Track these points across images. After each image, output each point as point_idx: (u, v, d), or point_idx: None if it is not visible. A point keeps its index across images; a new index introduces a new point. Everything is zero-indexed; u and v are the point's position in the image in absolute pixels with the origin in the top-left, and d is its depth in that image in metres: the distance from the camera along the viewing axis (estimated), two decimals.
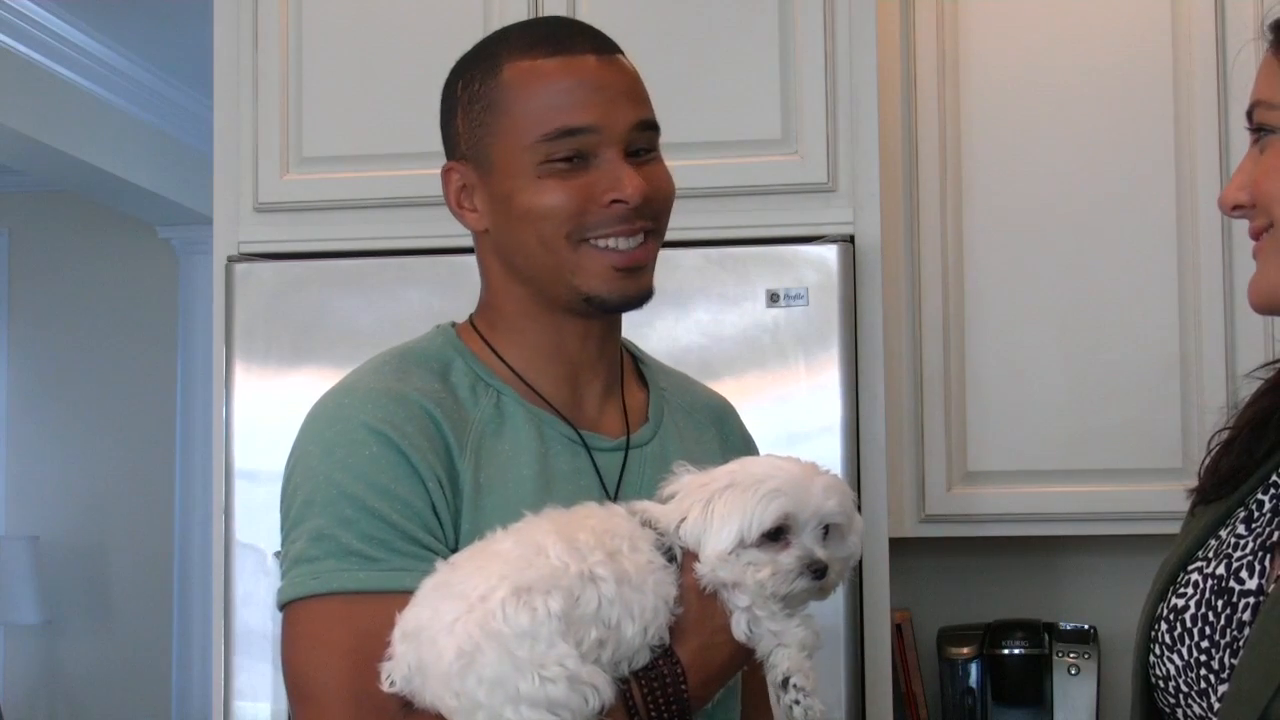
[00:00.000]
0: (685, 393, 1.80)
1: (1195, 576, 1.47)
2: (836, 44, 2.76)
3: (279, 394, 2.71)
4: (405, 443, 1.53)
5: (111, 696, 6.94)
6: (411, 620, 1.40)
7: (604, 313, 1.64)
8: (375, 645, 1.42)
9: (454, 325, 1.70)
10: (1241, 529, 1.47)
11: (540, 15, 2.74)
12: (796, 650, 1.45)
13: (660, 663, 1.44)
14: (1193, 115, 2.96)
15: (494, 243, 1.65)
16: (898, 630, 3.02)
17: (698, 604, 1.45)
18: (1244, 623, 1.40)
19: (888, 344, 2.81)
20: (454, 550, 1.51)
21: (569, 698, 1.34)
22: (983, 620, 3.14)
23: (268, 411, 2.71)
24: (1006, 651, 3.06)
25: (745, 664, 1.50)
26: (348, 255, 2.81)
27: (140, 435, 6.98)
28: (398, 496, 1.51)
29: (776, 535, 1.45)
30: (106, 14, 5.41)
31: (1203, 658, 1.42)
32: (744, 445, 1.80)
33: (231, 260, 2.81)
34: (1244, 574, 1.43)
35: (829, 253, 2.65)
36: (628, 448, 1.66)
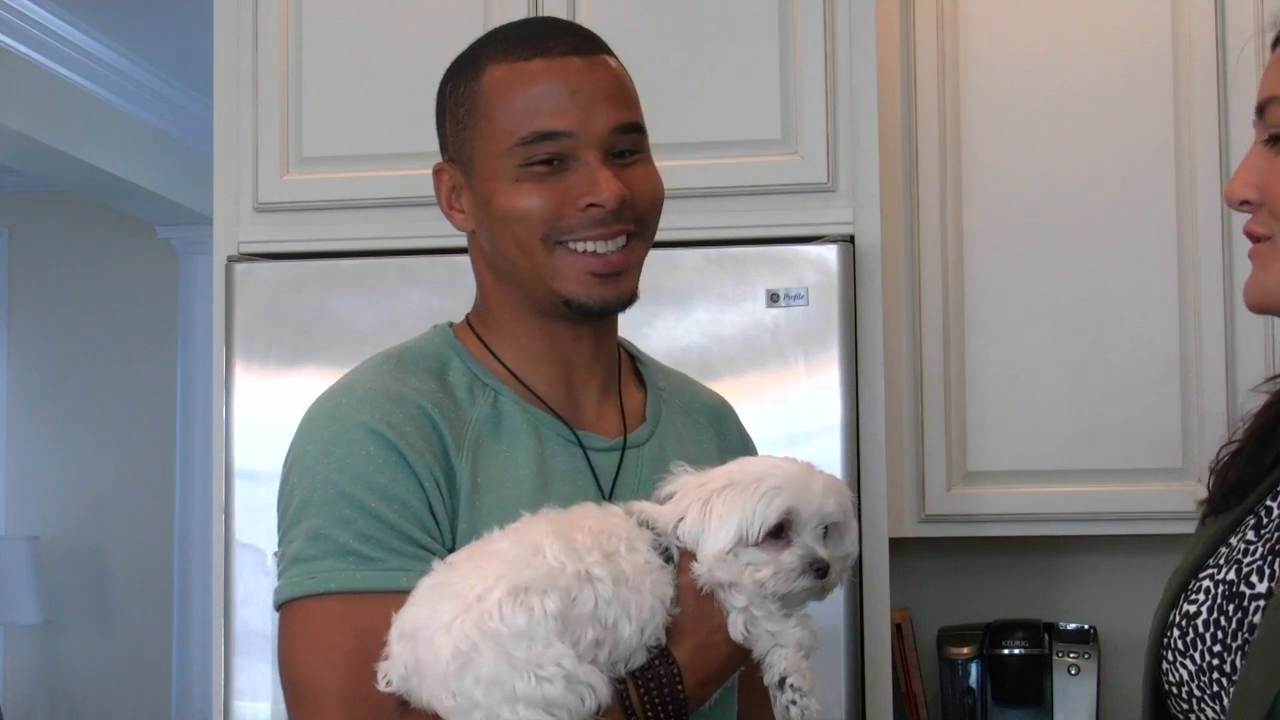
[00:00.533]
0: (683, 393, 1.79)
1: (1206, 583, 1.48)
2: (836, 44, 2.76)
3: (279, 394, 2.71)
4: (403, 443, 1.53)
5: (111, 696, 6.94)
6: (408, 620, 1.40)
7: (584, 316, 1.63)
8: (372, 645, 1.42)
9: (451, 325, 1.70)
10: (1251, 535, 1.48)
11: (539, 15, 2.74)
12: (794, 650, 1.45)
13: (657, 663, 1.44)
14: (1193, 115, 2.96)
15: (481, 244, 1.65)
16: (898, 630, 3.01)
17: (695, 604, 1.45)
18: (1255, 626, 1.40)
19: (888, 344, 2.80)
20: (451, 550, 1.51)
21: (566, 697, 1.34)
22: (983, 620, 3.14)
23: (268, 411, 2.71)
24: (1006, 651, 3.06)
25: (742, 664, 1.50)
26: (348, 255, 2.81)
27: (140, 435, 6.98)
28: (395, 496, 1.51)
29: (777, 534, 1.45)
30: (106, 14, 5.40)
31: (1215, 661, 1.43)
32: (742, 445, 1.80)
33: (231, 260, 2.81)
34: (1254, 578, 1.43)
35: (829, 253, 2.65)
36: (624, 448, 1.66)
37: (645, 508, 1.49)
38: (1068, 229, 3.00)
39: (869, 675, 2.68)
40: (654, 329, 2.59)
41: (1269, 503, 1.50)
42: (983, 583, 3.26)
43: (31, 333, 7.14)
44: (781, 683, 1.44)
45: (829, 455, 2.58)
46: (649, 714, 1.43)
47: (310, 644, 1.50)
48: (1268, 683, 1.34)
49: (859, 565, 2.68)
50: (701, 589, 1.45)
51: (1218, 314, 2.92)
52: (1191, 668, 1.45)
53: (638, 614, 1.41)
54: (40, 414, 7.11)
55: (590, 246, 1.59)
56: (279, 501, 1.57)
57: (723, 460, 1.54)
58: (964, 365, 3.01)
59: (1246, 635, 1.41)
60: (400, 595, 1.44)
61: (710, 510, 1.45)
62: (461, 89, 1.64)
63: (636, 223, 1.62)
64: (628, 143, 1.62)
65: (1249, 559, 1.45)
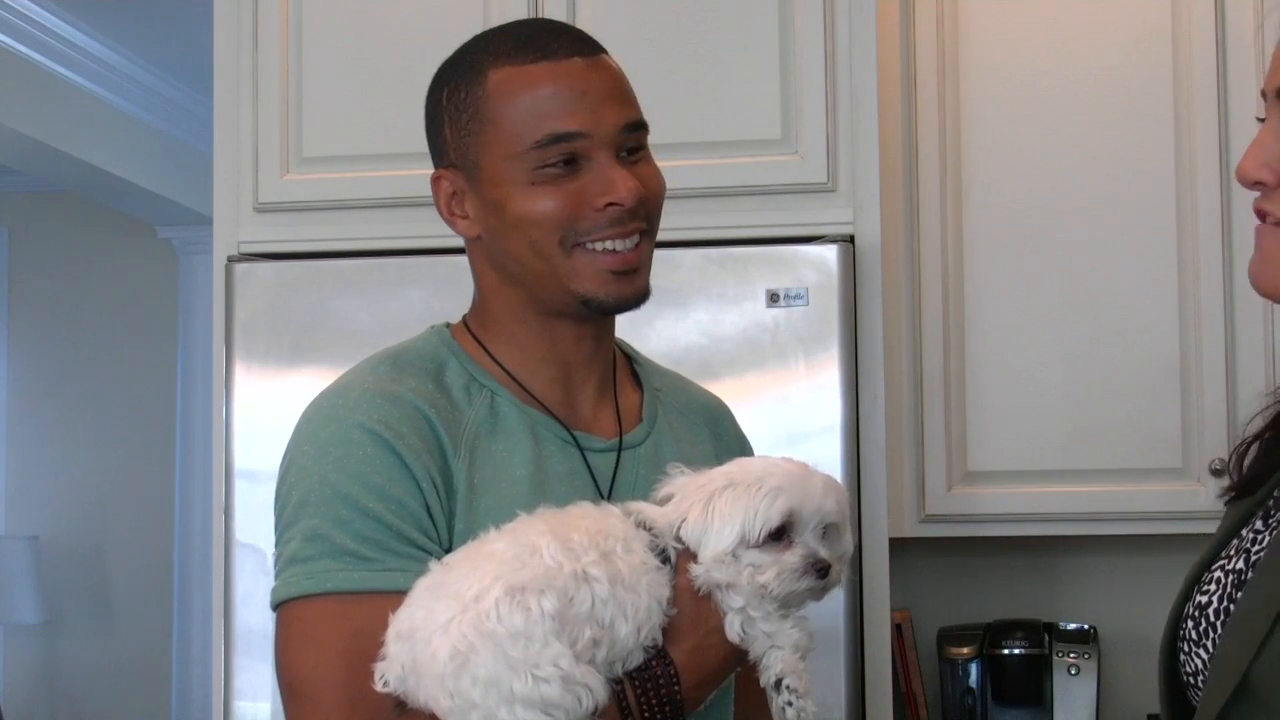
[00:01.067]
0: (680, 393, 1.79)
1: (1218, 574, 1.50)
2: (836, 44, 2.76)
3: (279, 394, 2.71)
4: (400, 443, 1.53)
5: (111, 696, 6.94)
6: (405, 620, 1.40)
7: (601, 315, 1.64)
8: (369, 645, 1.42)
9: (448, 326, 1.70)
10: (1260, 525, 1.50)
11: (538, 16, 2.74)
12: (790, 651, 1.45)
13: (654, 664, 1.44)
14: (1193, 115, 2.96)
15: (486, 249, 1.65)
16: (898, 630, 3.01)
17: (692, 605, 1.45)
18: None
19: (888, 344, 2.80)
20: (447, 551, 1.51)
21: (563, 698, 1.34)
22: (983, 620, 3.14)
23: (268, 411, 2.71)
24: (1006, 651, 3.06)
25: (739, 665, 1.50)
26: (348, 255, 2.81)
27: (140, 435, 6.98)
28: (392, 497, 1.51)
29: (778, 535, 1.45)
30: (106, 14, 5.40)
31: None
32: (739, 446, 1.80)
33: (231, 260, 2.81)
34: None
35: (829, 253, 2.65)
36: (621, 448, 1.66)
37: (643, 508, 1.49)
38: (1068, 229, 3.00)
39: (869, 675, 2.68)
40: (654, 329, 2.59)
41: (1277, 494, 1.51)
42: (983, 583, 3.26)
43: (31, 333, 7.14)
44: (778, 684, 1.44)
45: (829, 455, 2.58)
46: (646, 714, 1.43)
47: (307, 644, 1.50)
48: (1241, 654, 1.37)
49: (859, 565, 2.68)
50: (699, 590, 1.45)
51: (1218, 314, 2.92)
52: (1205, 657, 1.47)
53: (634, 614, 1.41)
54: (40, 414, 7.11)
55: (610, 245, 1.59)
56: (276, 502, 1.57)
57: (719, 461, 1.54)
58: (964, 365, 3.01)
59: None
60: (397, 596, 1.44)
61: (712, 511, 1.45)
62: (462, 94, 1.63)
63: (647, 220, 1.62)
64: (635, 140, 1.62)
65: (1257, 548, 1.48)
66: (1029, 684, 3.05)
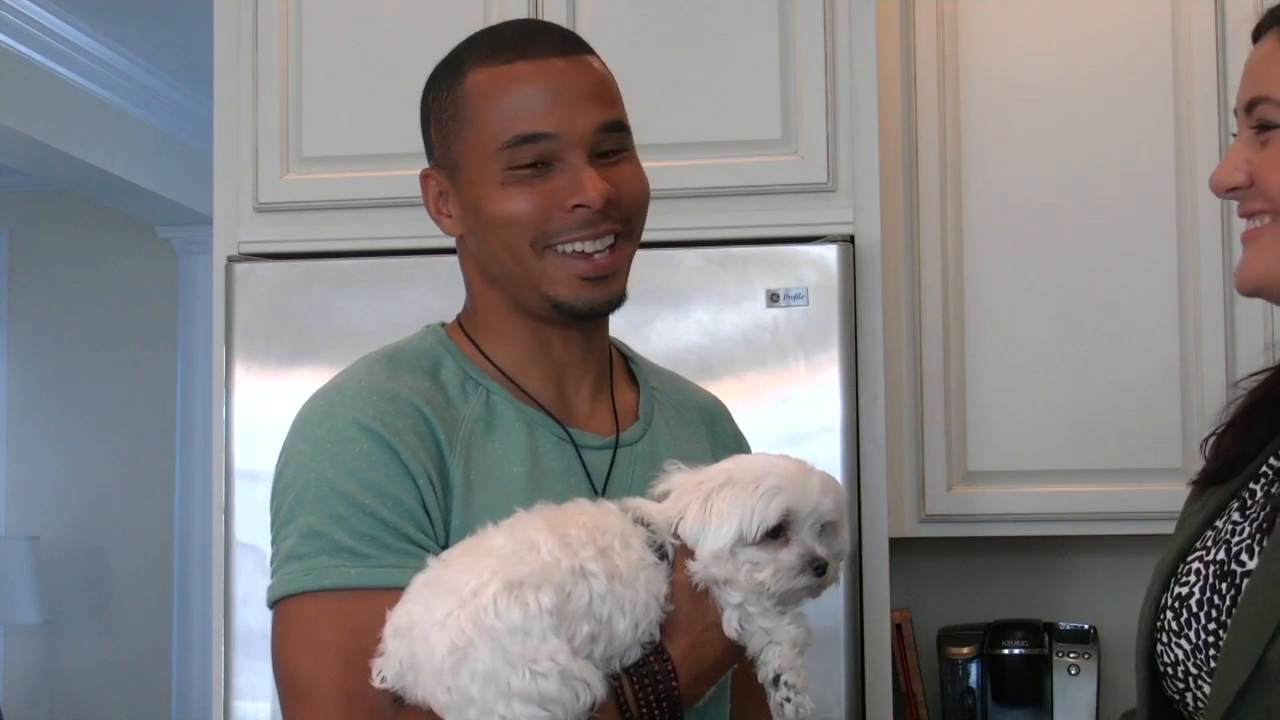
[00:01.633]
0: (676, 392, 1.79)
1: (1196, 565, 1.52)
2: (836, 44, 2.76)
3: (279, 394, 2.70)
4: (396, 440, 1.53)
5: (111, 696, 6.94)
6: (403, 617, 1.40)
7: (575, 319, 1.63)
8: (367, 642, 1.42)
9: (443, 325, 1.70)
10: (1237, 516, 1.52)
11: (538, 16, 2.74)
12: (788, 648, 1.45)
13: (652, 659, 1.44)
14: (1193, 115, 2.96)
15: (470, 249, 1.65)
16: (898, 630, 3.01)
17: (689, 601, 1.45)
18: None
19: (888, 344, 2.80)
20: (444, 548, 1.51)
21: (561, 693, 1.34)
22: (983, 620, 3.14)
23: (268, 411, 2.71)
24: (1006, 651, 3.06)
25: (736, 662, 1.50)
26: (348, 255, 2.81)
27: (140, 435, 6.98)
28: (389, 493, 1.51)
29: (776, 533, 1.45)
30: (106, 14, 5.41)
31: (1210, 639, 1.47)
32: (735, 445, 1.80)
33: (231, 260, 2.81)
34: (1244, 556, 1.48)
35: (829, 253, 2.65)
36: (617, 446, 1.66)
37: (641, 505, 1.49)
38: (1068, 229, 3.00)
39: (869, 675, 2.68)
40: (654, 329, 2.59)
41: (1252, 485, 1.54)
42: (983, 583, 3.26)
43: (31, 333, 7.14)
44: (776, 680, 1.45)
45: (829, 455, 2.58)
46: (643, 710, 1.43)
47: (304, 641, 1.49)
48: (1255, 638, 1.39)
49: (859, 565, 2.68)
50: (696, 586, 1.45)
51: (1218, 314, 2.92)
52: (1187, 647, 1.49)
53: (632, 609, 1.41)
54: (40, 414, 7.11)
55: (579, 247, 1.59)
56: (272, 499, 1.57)
57: (716, 459, 1.54)
58: (964, 365, 3.01)
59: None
60: (394, 592, 1.44)
61: (711, 508, 1.45)
62: (445, 94, 1.63)
63: (623, 223, 1.61)
64: (613, 142, 1.61)
65: (1237, 539, 1.50)
66: (1029, 684, 3.05)
